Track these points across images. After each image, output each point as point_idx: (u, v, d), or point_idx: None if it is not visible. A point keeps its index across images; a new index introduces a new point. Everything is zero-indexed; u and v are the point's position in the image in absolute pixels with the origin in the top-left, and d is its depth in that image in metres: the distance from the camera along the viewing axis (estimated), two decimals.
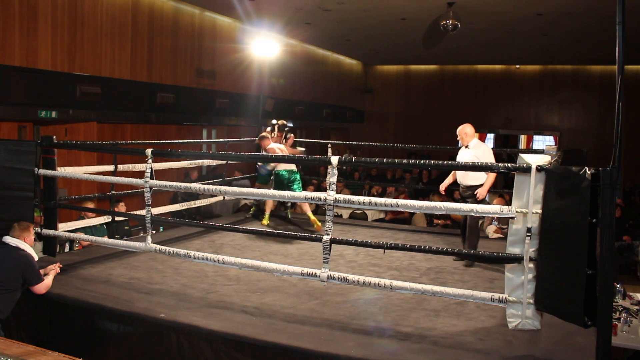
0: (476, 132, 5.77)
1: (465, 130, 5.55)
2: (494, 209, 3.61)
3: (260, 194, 4.82)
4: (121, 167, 5.94)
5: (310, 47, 15.90)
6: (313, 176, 10.18)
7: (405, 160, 3.79)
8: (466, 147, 5.55)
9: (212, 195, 7.18)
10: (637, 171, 15.30)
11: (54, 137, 5.03)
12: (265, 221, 7.02)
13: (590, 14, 10.14)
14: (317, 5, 10.26)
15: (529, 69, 18.33)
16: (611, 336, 3.12)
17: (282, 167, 6.71)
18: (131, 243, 4.92)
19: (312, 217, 6.81)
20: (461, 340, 3.47)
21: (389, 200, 3.73)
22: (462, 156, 5.57)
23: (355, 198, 3.80)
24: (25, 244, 4.11)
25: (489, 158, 5.34)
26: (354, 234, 6.73)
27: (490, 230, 6.85)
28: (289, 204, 7.62)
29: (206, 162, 8.09)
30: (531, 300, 3.40)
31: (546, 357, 3.26)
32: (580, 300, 3.06)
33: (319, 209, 9.20)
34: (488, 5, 9.83)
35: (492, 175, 5.33)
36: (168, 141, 7.92)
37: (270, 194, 4.73)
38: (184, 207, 6.87)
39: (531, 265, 3.35)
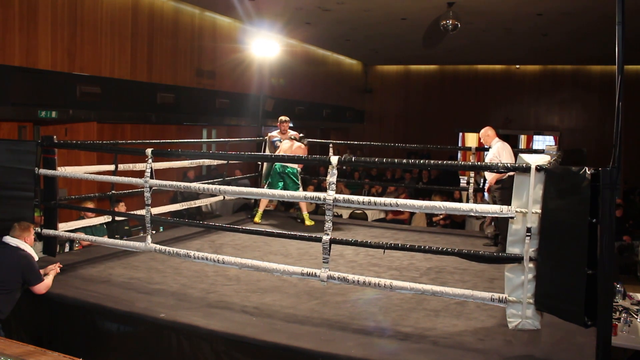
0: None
1: (488, 133, 6.06)
2: (494, 208, 3.61)
3: (259, 193, 4.83)
4: (121, 167, 5.94)
5: (310, 47, 15.90)
6: (313, 176, 10.17)
7: (405, 160, 3.79)
8: (489, 147, 6.01)
9: (212, 195, 7.19)
10: (637, 171, 15.30)
11: (54, 137, 5.03)
12: (257, 219, 7.21)
13: (590, 14, 10.14)
14: (317, 5, 10.25)
15: (529, 69, 18.33)
16: (611, 336, 3.12)
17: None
18: (131, 243, 4.92)
19: (306, 214, 7.16)
20: (461, 340, 3.47)
21: (389, 200, 3.73)
22: (487, 156, 6.12)
23: (355, 198, 3.80)
24: (26, 244, 4.11)
25: (498, 156, 5.79)
26: (354, 234, 6.73)
27: (490, 229, 6.85)
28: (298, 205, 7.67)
29: (206, 162, 8.11)
30: (531, 300, 3.39)
31: (546, 357, 3.25)
32: (580, 300, 3.06)
33: (318, 209, 9.20)
34: (488, 5, 9.83)
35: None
36: (168, 141, 7.92)
37: (270, 194, 4.73)
38: (184, 207, 6.88)
39: (531, 265, 3.35)
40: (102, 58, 8.99)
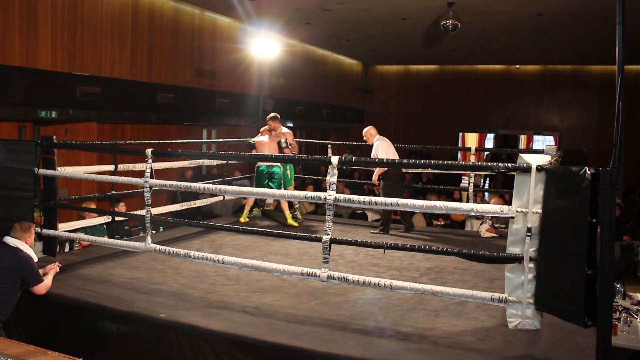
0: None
1: (370, 132, 6.85)
2: (494, 208, 3.62)
3: (259, 193, 4.83)
4: (121, 167, 5.94)
5: (310, 47, 15.90)
6: (312, 176, 10.16)
7: (405, 160, 3.79)
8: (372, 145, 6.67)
9: (212, 195, 7.19)
10: (637, 171, 15.30)
11: (54, 137, 5.02)
12: (243, 219, 7.16)
13: (590, 14, 10.15)
14: (317, 5, 10.25)
15: (529, 69, 18.33)
16: (611, 336, 3.12)
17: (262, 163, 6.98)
18: (131, 243, 4.92)
19: (288, 214, 6.98)
20: (461, 340, 3.47)
21: (389, 200, 3.73)
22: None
23: (355, 198, 3.80)
24: (26, 245, 4.09)
25: (375, 154, 6.52)
26: (354, 234, 6.73)
27: (483, 229, 6.87)
28: (297, 204, 7.56)
29: (206, 162, 8.11)
30: (531, 300, 3.40)
31: (546, 357, 3.26)
32: (580, 300, 3.06)
33: (319, 209, 9.21)
34: (488, 5, 9.83)
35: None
36: (168, 141, 7.91)
37: (271, 193, 4.73)
38: (184, 207, 6.88)
39: (531, 265, 3.35)
40: (102, 58, 8.99)
